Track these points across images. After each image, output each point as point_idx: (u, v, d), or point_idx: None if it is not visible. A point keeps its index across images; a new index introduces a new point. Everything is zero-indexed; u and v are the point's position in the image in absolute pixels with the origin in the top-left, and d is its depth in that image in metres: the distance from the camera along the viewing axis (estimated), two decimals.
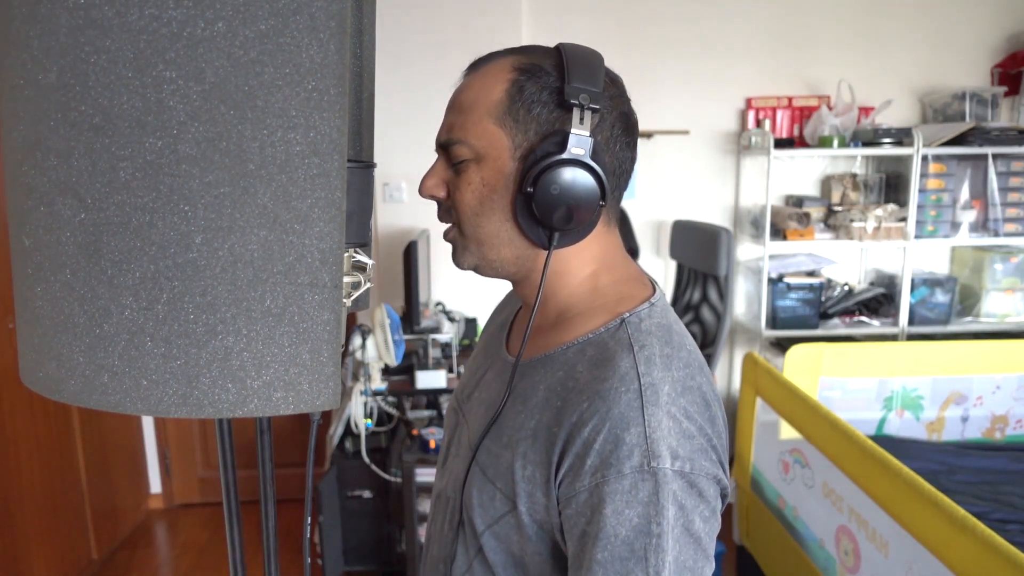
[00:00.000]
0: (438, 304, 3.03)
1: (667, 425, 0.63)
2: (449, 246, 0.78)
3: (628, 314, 0.71)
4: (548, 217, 0.69)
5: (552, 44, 0.75)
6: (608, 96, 0.70)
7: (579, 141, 0.67)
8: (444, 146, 0.73)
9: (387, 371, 2.57)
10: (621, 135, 0.72)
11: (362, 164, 0.64)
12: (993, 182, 3.04)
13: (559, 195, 0.68)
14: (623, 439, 0.62)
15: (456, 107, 0.73)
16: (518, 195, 0.70)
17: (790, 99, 3.22)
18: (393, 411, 2.59)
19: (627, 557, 0.61)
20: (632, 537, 0.61)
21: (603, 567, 0.61)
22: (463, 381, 0.89)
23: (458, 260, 0.76)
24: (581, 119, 0.67)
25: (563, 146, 0.67)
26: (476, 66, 0.74)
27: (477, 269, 0.76)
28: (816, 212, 3.12)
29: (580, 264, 0.75)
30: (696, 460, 0.63)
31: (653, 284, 0.78)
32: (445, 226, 0.77)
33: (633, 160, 0.75)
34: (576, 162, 0.68)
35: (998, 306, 3.18)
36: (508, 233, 0.72)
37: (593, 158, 0.68)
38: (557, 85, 0.68)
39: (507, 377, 0.76)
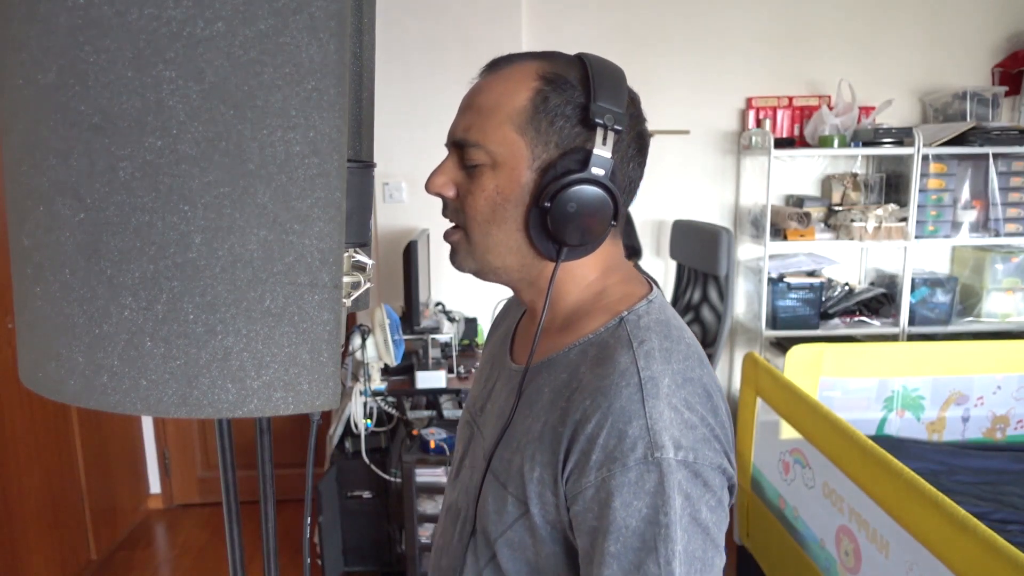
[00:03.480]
0: (438, 304, 3.03)
1: (669, 416, 0.63)
2: (447, 246, 0.77)
3: (627, 312, 0.72)
4: (561, 233, 0.69)
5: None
6: (628, 115, 0.70)
7: (600, 161, 0.68)
8: (458, 145, 0.72)
9: (387, 371, 2.57)
10: (635, 155, 0.73)
11: (362, 164, 0.64)
12: (994, 182, 3.04)
13: (575, 212, 0.68)
14: (626, 432, 0.62)
15: (475, 107, 0.71)
16: (533, 208, 0.70)
17: (790, 99, 3.22)
18: (393, 411, 2.59)
19: (639, 548, 0.61)
20: (643, 528, 0.61)
21: (617, 559, 0.62)
22: (473, 394, 0.90)
23: (458, 263, 0.76)
24: (604, 139, 0.68)
25: (584, 164, 0.68)
26: (497, 66, 0.73)
27: (477, 274, 0.76)
28: (816, 212, 3.12)
29: (585, 271, 0.76)
30: (700, 450, 0.64)
31: (650, 282, 0.79)
32: (445, 225, 0.77)
33: (640, 178, 0.76)
34: (595, 182, 0.68)
35: (999, 306, 3.17)
36: (517, 243, 0.72)
37: (610, 178, 0.69)
38: (582, 101, 0.68)
39: (515, 385, 0.76)
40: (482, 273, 0.76)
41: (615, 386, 0.64)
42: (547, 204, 0.68)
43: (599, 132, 0.67)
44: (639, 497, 0.61)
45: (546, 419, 0.69)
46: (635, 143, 0.72)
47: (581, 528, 0.65)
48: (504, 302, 1.00)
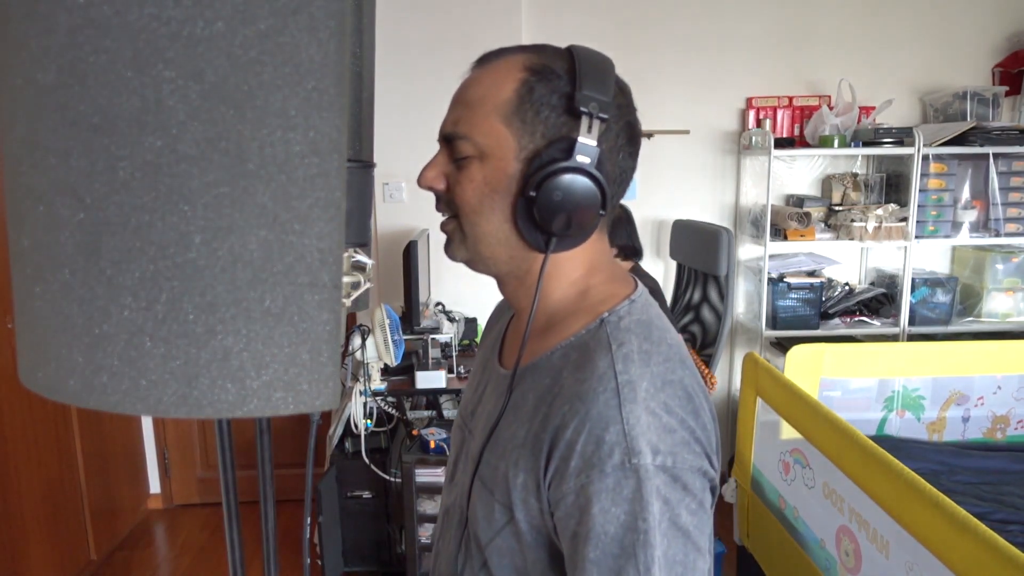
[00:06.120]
0: (438, 304, 3.03)
1: (646, 421, 0.63)
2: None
3: (608, 313, 0.71)
4: (548, 222, 0.69)
5: (552, 44, 0.74)
6: (616, 105, 0.70)
7: (586, 150, 0.67)
8: (447, 139, 0.73)
9: (387, 371, 2.57)
10: (625, 145, 0.72)
11: (361, 164, 0.64)
12: (994, 182, 3.04)
13: (561, 202, 0.68)
14: (603, 438, 0.62)
15: (463, 101, 0.72)
16: (520, 198, 0.69)
17: (791, 99, 3.22)
18: (393, 411, 2.59)
19: (618, 554, 0.61)
20: (621, 534, 0.61)
21: (596, 566, 0.62)
22: (466, 398, 0.90)
23: (451, 252, 0.76)
24: (589, 128, 0.67)
25: (569, 153, 0.67)
26: (486, 60, 0.73)
27: (468, 263, 0.76)
28: (816, 212, 3.12)
29: (570, 268, 0.75)
30: (678, 454, 0.63)
31: (635, 281, 0.78)
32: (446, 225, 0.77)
33: (633, 169, 0.75)
34: (581, 170, 0.67)
35: (999, 306, 3.17)
36: (505, 234, 0.72)
37: (597, 167, 0.68)
38: (567, 90, 0.68)
39: (503, 389, 0.76)
40: (472, 262, 0.76)
41: (592, 391, 0.64)
42: (533, 193, 0.68)
43: (584, 121, 0.67)
44: (617, 503, 0.61)
45: (529, 425, 0.69)
46: (624, 133, 0.72)
47: (564, 534, 0.65)
48: (496, 307, 1.00)
